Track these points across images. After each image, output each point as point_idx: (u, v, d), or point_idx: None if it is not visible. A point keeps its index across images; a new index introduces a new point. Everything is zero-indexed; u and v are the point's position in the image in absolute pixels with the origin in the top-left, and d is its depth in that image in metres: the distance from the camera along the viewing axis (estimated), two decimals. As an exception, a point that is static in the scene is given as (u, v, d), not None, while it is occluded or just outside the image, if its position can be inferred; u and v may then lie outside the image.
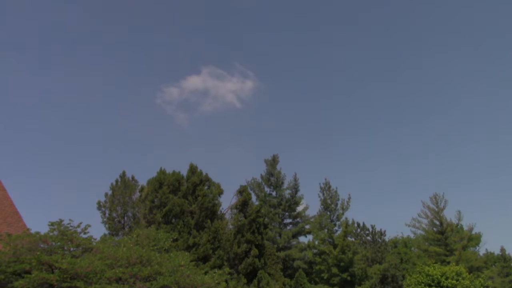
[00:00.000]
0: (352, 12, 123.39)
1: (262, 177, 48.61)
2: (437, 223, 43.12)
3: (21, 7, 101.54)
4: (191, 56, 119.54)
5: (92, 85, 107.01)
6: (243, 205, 35.33)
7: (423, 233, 44.47)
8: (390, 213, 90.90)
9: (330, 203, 43.73)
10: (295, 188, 47.93)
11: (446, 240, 41.89)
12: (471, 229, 43.13)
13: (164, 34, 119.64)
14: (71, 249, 16.06)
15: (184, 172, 37.38)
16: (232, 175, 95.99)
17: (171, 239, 21.25)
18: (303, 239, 47.52)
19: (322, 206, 44.16)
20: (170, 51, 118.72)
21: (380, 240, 48.40)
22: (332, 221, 43.20)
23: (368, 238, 49.69)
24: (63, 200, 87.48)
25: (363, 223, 50.81)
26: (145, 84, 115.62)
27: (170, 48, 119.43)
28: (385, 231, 49.43)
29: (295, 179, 48.18)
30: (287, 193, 47.96)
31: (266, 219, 40.49)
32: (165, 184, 35.75)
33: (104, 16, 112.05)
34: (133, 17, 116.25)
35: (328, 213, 43.50)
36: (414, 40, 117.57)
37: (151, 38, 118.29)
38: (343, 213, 43.46)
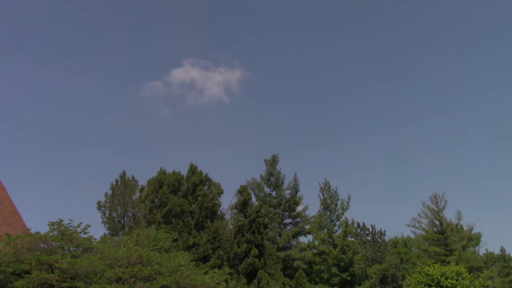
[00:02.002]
0: (352, 10, 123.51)
1: (261, 177, 48.57)
2: (437, 223, 43.12)
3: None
4: (177, 50, 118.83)
5: (83, 84, 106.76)
6: (243, 205, 35.31)
7: (423, 233, 44.48)
8: (390, 213, 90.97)
9: (330, 203, 43.72)
10: (295, 188, 47.89)
11: (446, 240, 41.88)
12: (471, 229, 43.16)
13: (143, 30, 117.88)
14: (71, 249, 16.07)
15: (184, 172, 37.44)
16: (230, 175, 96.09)
17: (171, 239, 21.30)
18: (303, 239, 47.51)
19: (322, 206, 44.15)
20: (152, 46, 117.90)
21: (380, 240, 48.36)
22: (332, 221, 43.19)
23: (368, 238, 49.65)
24: (63, 200, 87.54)
25: (363, 223, 50.80)
26: (131, 81, 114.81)
27: (152, 44, 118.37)
28: (385, 231, 49.40)
29: (295, 179, 48.14)
30: (287, 193, 47.92)
31: (266, 219, 40.44)
32: (165, 184, 35.76)
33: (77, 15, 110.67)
34: (105, 14, 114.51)
35: (328, 213, 43.48)
36: (415, 40, 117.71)
37: (131, 35, 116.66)
38: (343, 213, 43.45)
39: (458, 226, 44.30)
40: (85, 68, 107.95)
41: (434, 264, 32.23)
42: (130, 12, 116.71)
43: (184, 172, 37.35)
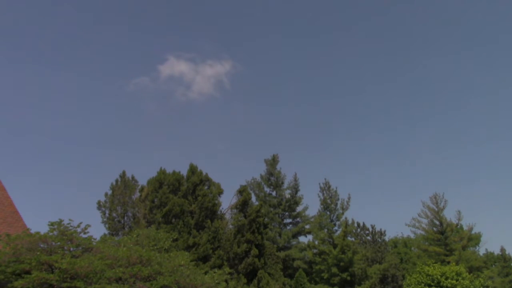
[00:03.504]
0: (353, 9, 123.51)
1: (262, 177, 48.61)
2: (437, 223, 43.14)
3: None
4: (166, 45, 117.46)
5: (76, 83, 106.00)
6: (243, 205, 35.32)
7: (423, 233, 44.48)
8: (390, 213, 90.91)
9: (330, 203, 43.73)
10: (295, 188, 47.93)
11: (446, 240, 41.90)
12: (471, 229, 43.18)
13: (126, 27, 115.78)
14: (71, 249, 16.05)
15: (184, 171, 37.46)
16: (230, 175, 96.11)
17: (171, 239, 21.26)
18: (303, 239, 47.58)
19: (322, 206, 44.17)
20: (139, 41, 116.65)
21: (380, 240, 48.38)
22: (332, 221, 43.21)
23: (368, 238, 49.68)
24: (63, 200, 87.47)
25: (363, 223, 50.81)
26: (122, 77, 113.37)
27: (136, 40, 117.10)
28: (385, 231, 49.43)
29: (295, 179, 48.20)
30: (287, 193, 47.97)
31: (266, 219, 40.45)
32: (165, 184, 35.78)
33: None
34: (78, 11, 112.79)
35: (328, 213, 43.50)
36: (415, 41, 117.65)
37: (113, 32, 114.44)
38: (343, 213, 43.49)
39: (458, 226, 44.32)
40: (76, 67, 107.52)
41: (434, 264, 32.22)
42: (114, 7, 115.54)
43: (184, 172, 37.41)
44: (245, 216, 34.46)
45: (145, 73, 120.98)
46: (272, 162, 48.63)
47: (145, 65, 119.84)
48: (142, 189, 38.79)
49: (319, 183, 45.00)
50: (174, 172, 36.86)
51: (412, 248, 49.26)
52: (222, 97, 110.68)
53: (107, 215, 37.74)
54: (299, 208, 47.79)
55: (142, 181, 42.27)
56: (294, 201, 47.40)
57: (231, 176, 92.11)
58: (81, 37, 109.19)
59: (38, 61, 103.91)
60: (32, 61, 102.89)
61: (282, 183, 48.22)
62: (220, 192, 37.28)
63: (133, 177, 40.16)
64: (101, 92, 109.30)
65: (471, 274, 32.76)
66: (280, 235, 45.60)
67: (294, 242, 46.25)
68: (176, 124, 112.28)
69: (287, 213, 47.69)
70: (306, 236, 47.12)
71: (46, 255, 14.78)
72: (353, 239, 45.43)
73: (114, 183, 39.11)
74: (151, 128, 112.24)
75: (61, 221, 16.21)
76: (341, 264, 39.28)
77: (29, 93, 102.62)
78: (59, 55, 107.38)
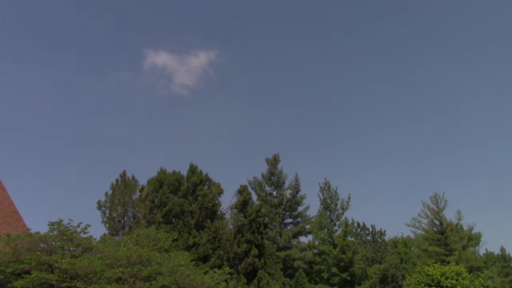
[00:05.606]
0: (353, 11, 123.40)
1: (263, 176, 48.56)
2: (437, 223, 43.12)
3: None
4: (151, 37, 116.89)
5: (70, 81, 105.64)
6: (243, 205, 35.31)
7: (423, 233, 44.46)
8: (390, 213, 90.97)
9: (330, 203, 43.70)
10: (296, 188, 47.87)
11: (446, 240, 41.88)
12: (471, 229, 43.15)
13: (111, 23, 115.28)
14: (71, 249, 16.03)
15: (184, 171, 37.46)
16: (230, 174, 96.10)
17: (171, 239, 21.24)
18: (304, 239, 47.54)
19: (322, 206, 44.15)
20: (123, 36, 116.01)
21: (380, 240, 48.39)
22: (332, 221, 43.18)
23: (368, 238, 49.69)
24: (63, 200, 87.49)
25: (363, 223, 50.85)
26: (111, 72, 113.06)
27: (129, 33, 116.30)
28: (385, 231, 49.49)
29: (296, 179, 48.15)
30: (288, 193, 47.94)
31: (266, 219, 40.43)
32: (165, 184, 35.75)
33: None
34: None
35: (328, 213, 43.47)
36: (415, 41, 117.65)
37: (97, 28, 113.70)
38: (343, 213, 43.45)
39: (458, 226, 44.30)
40: (66, 64, 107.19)
41: (434, 264, 32.20)
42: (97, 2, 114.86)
43: (184, 171, 37.41)
44: (245, 216, 34.44)
45: (131, 68, 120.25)
46: (273, 162, 48.59)
47: (133, 60, 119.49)
48: (142, 189, 38.78)
49: (319, 183, 45.02)
50: (174, 172, 36.85)
51: (412, 248, 49.24)
52: (220, 94, 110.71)
53: (107, 215, 37.72)
54: (300, 208, 47.80)
55: (142, 181, 42.25)
56: (295, 201, 47.36)
57: (231, 176, 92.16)
58: (73, 34, 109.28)
59: (28, 60, 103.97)
60: (22, 61, 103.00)
61: (283, 183, 48.19)
62: (220, 192, 37.26)
63: (133, 177, 40.16)
64: (95, 90, 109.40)
65: (471, 274, 32.73)
66: (280, 235, 45.56)
67: (294, 242, 46.21)
68: (174, 122, 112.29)
69: (287, 213, 47.64)
70: (306, 236, 47.13)
71: (46, 255, 14.77)
72: (353, 239, 45.39)
73: (114, 183, 39.11)
74: (149, 127, 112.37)
75: (61, 221, 16.20)
76: (341, 264, 39.27)
77: (29, 92, 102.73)
78: (54, 54, 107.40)
